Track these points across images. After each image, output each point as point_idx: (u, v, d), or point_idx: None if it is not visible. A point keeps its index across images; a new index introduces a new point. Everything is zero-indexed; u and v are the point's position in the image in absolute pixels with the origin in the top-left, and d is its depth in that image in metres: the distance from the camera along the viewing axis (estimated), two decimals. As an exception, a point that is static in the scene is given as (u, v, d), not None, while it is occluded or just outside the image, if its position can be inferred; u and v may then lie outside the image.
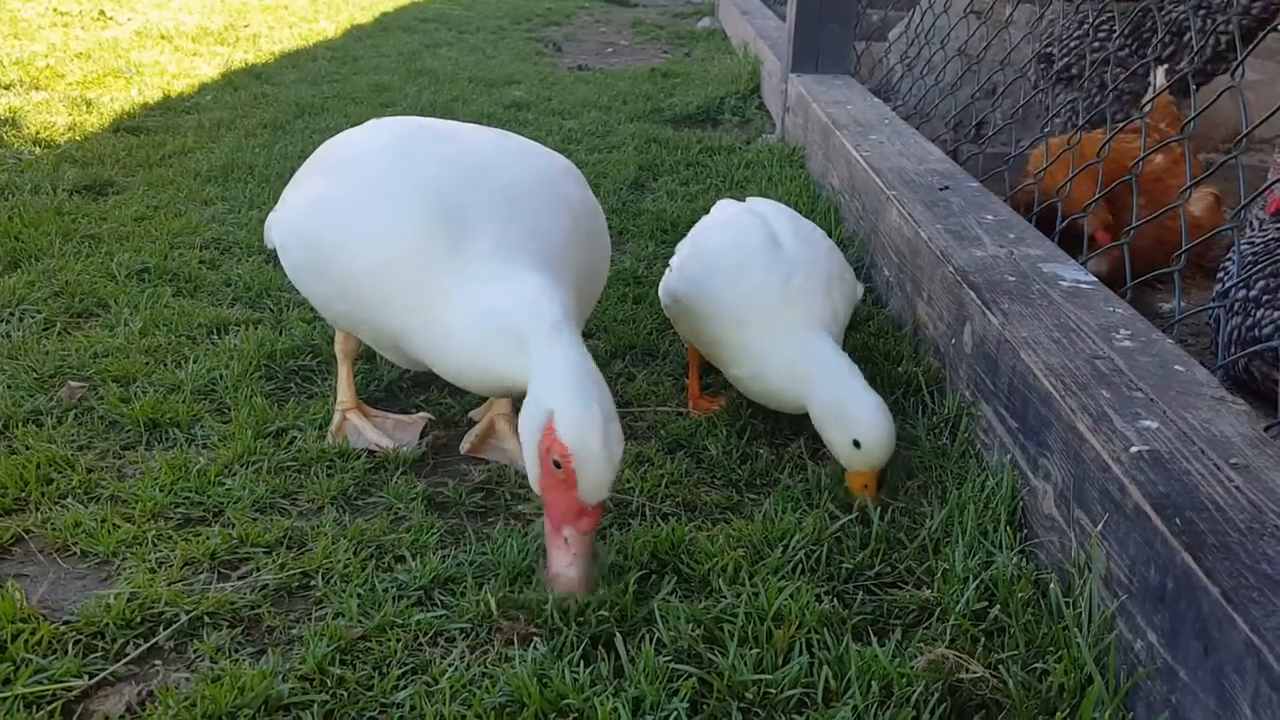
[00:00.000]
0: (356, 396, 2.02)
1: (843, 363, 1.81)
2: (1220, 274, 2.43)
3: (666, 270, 2.17)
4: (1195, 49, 3.39)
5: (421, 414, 2.05)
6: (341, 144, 1.89)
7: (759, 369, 1.89)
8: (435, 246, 1.60)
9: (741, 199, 2.26)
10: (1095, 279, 1.99)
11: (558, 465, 1.40)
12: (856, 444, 1.73)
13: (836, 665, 1.37)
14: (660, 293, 2.16)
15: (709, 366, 2.14)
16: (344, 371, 2.02)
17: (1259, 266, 2.17)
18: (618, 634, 1.43)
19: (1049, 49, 3.77)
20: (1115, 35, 3.50)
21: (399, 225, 1.62)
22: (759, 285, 1.89)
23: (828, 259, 1.99)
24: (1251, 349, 2.08)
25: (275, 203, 2.04)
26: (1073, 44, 3.72)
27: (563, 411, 1.41)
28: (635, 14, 9.07)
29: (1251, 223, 2.47)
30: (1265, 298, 2.15)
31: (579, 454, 1.39)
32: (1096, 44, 3.60)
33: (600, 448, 1.39)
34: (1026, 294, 1.91)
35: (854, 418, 1.73)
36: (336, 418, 1.99)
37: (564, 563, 1.45)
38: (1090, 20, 3.67)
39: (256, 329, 2.34)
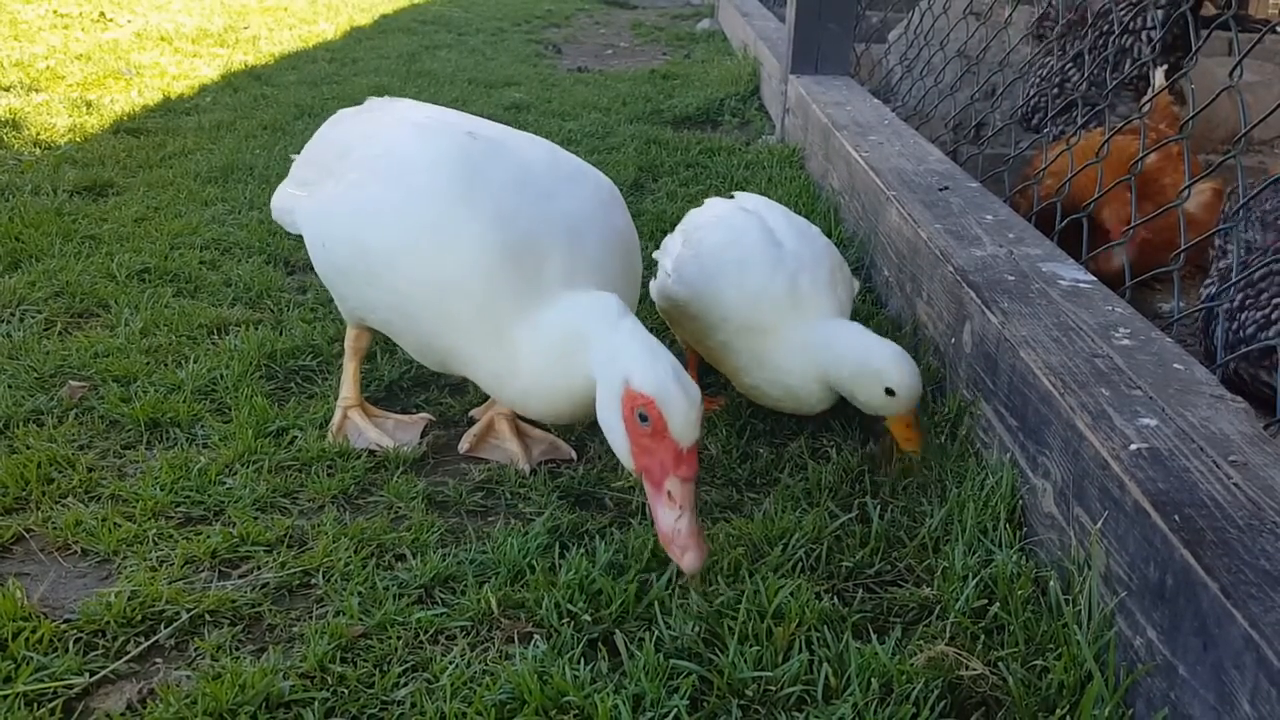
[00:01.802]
0: (360, 395, 2.02)
1: (851, 327, 1.87)
2: (1221, 262, 2.42)
3: (658, 270, 2.16)
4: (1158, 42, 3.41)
5: (422, 414, 2.05)
6: (384, 138, 1.85)
7: (775, 374, 1.88)
8: (508, 274, 1.63)
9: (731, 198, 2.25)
10: (1094, 278, 1.99)
11: (644, 418, 1.46)
12: (890, 391, 1.78)
13: (836, 663, 1.37)
14: (654, 294, 2.14)
15: (708, 365, 2.14)
16: (351, 369, 2.02)
17: (1242, 275, 2.17)
18: (618, 631, 1.43)
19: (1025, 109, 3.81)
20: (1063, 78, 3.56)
21: (475, 249, 1.64)
22: (765, 287, 1.87)
23: (828, 253, 1.98)
24: (1246, 349, 2.08)
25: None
26: (1033, 97, 3.75)
27: (635, 369, 1.48)
28: (635, 16, 9.08)
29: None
30: (1248, 300, 2.15)
31: (661, 396, 1.45)
32: (1054, 89, 3.65)
33: (677, 386, 1.47)
34: (1026, 293, 1.91)
35: (880, 366, 1.79)
36: (338, 415, 1.99)
37: (673, 517, 1.47)
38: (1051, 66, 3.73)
39: (257, 329, 2.35)
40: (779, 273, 1.88)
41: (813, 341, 1.85)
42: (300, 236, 2.01)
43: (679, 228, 2.20)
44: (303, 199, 1.97)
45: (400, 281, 1.70)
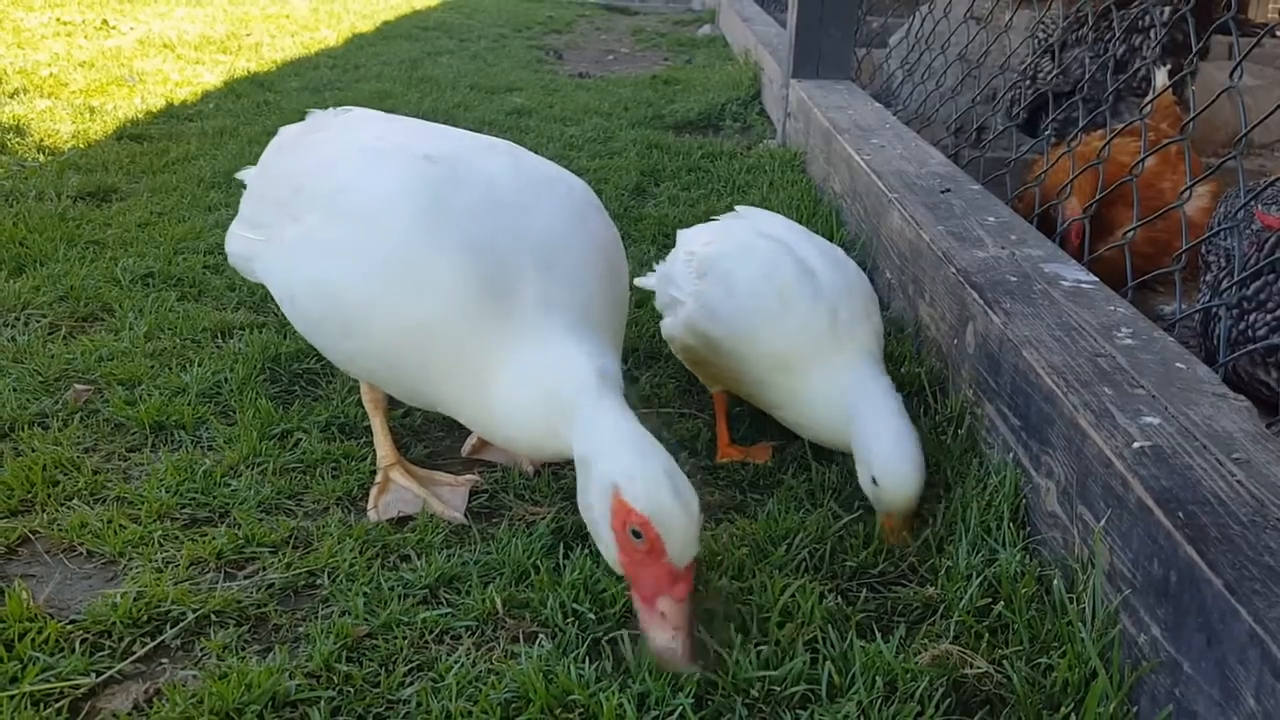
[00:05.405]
0: (397, 451, 1.86)
1: (882, 400, 1.71)
2: (1207, 275, 2.43)
3: (672, 303, 2.02)
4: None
5: (468, 475, 1.86)
6: (337, 170, 1.67)
7: (807, 411, 1.80)
8: (484, 308, 1.49)
9: (743, 204, 2.22)
10: (1096, 279, 2.00)
11: (638, 535, 1.32)
12: (874, 481, 1.66)
13: (841, 661, 1.37)
14: (673, 330, 2.00)
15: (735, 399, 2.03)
16: (378, 424, 1.85)
17: (1250, 272, 2.17)
18: (623, 630, 1.44)
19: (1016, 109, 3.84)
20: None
21: (447, 285, 1.50)
22: (806, 324, 1.78)
23: (859, 279, 1.91)
24: (1252, 347, 2.09)
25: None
26: (1030, 97, 3.77)
27: (627, 479, 1.33)
28: (636, 21, 9.10)
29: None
30: (1257, 302, 2.15)
31: (657, 516, 1.31)
32: (1027, 82, 3.68)
33: (676, 504, 1.32)
34: (1028, 294, 1.92)
35: (874, 454, 1.66)
36: (379, 477, 1.81)
37: (666, 638, 1.34)
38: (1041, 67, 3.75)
39: (260, 332, 2.35)
40: (819, 305, 1.79)
41: (845, 391, 1.74)
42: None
43: (681, 249, 2.07)
44: (260, 245, 1.80)
45: (375, 330, 1.56)
